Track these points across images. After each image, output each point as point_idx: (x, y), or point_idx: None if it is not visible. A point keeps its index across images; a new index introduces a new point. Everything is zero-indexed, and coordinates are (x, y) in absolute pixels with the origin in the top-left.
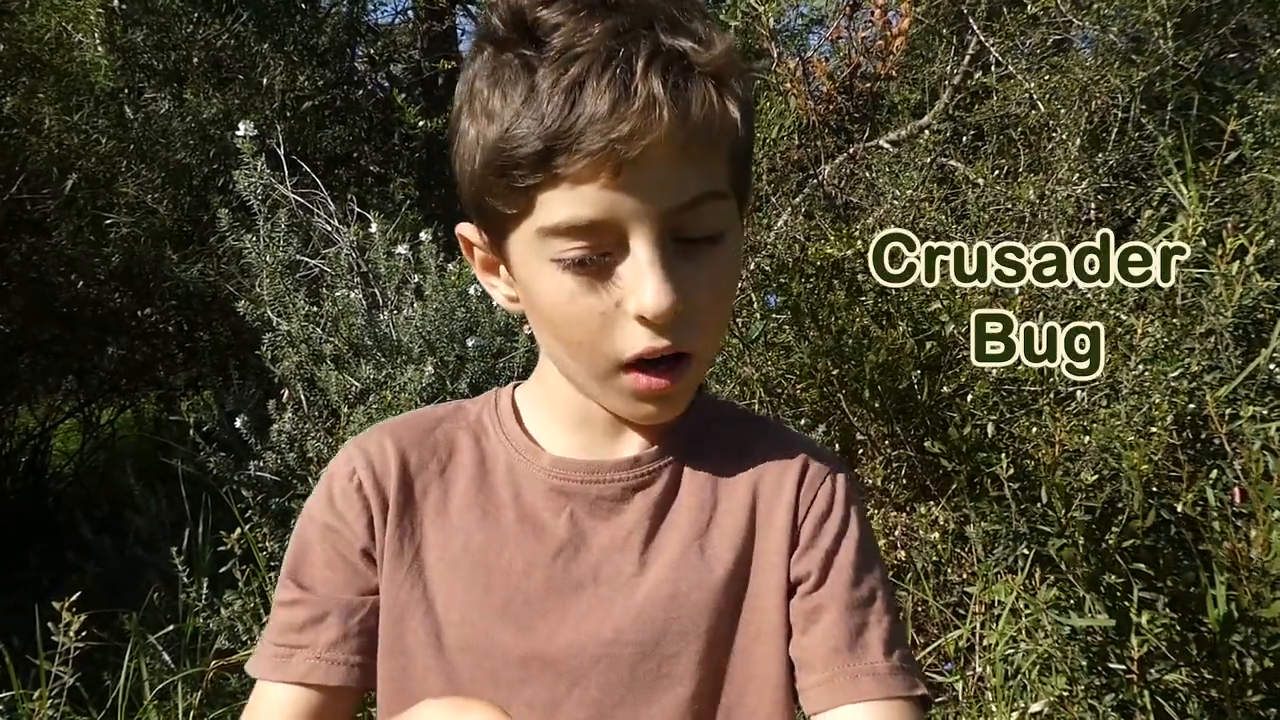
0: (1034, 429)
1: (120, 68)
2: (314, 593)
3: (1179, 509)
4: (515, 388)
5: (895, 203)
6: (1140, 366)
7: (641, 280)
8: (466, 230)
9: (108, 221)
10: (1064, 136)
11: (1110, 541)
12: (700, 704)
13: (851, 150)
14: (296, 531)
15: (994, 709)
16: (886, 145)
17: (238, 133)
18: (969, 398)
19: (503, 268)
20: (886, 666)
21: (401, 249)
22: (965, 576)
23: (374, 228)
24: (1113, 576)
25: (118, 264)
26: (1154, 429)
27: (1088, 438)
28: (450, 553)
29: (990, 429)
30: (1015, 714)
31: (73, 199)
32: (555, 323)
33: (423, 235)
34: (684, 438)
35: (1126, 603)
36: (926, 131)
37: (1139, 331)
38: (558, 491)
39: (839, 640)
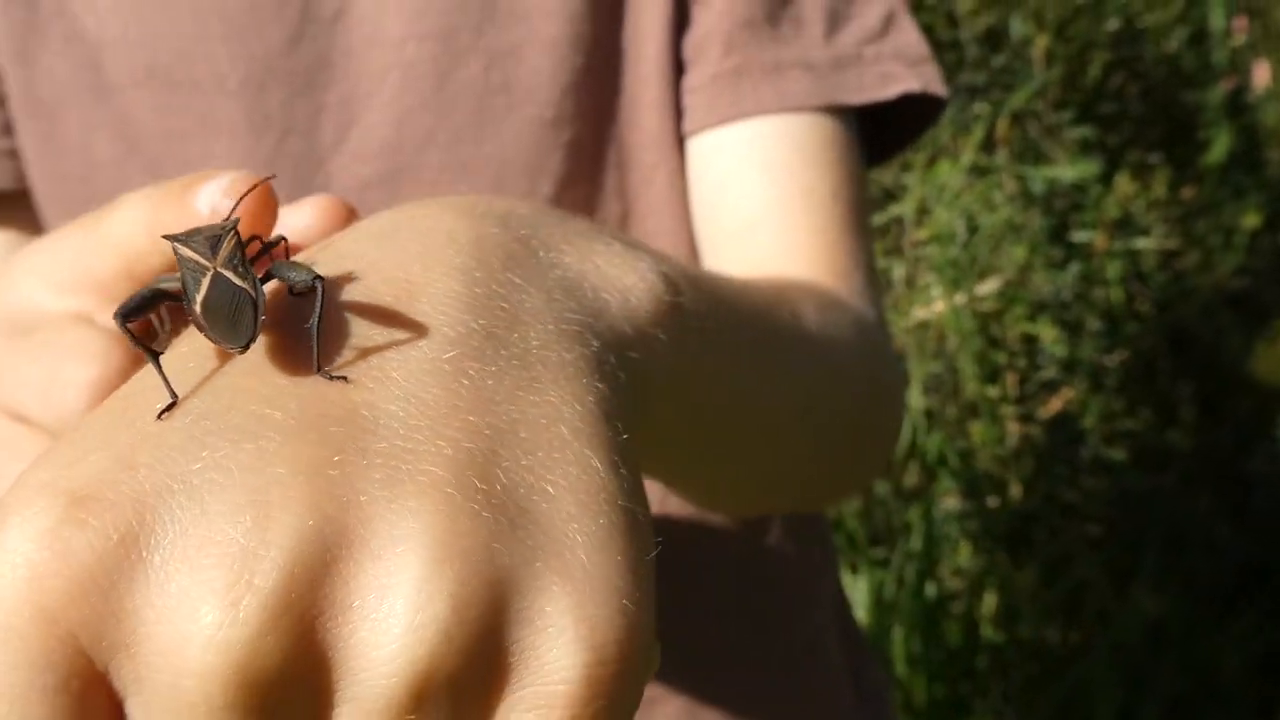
0: None
1: None
2: None
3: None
4: None
5: None
6: None
7: None
8: None
9: None
10: None
11: (1093, 78)
12: (570, 131)
13: None
14: None
15: (934, 293)
16: None
17: None
18: None
19: None
20: (829, 55)
21: None
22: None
23: None
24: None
25: None
26: None
27: None
28: None
29: None
30: (962, 296)
31: None
32: None
33: None
34: None
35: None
36: None
37: None
38: None
39: (751, 6)
